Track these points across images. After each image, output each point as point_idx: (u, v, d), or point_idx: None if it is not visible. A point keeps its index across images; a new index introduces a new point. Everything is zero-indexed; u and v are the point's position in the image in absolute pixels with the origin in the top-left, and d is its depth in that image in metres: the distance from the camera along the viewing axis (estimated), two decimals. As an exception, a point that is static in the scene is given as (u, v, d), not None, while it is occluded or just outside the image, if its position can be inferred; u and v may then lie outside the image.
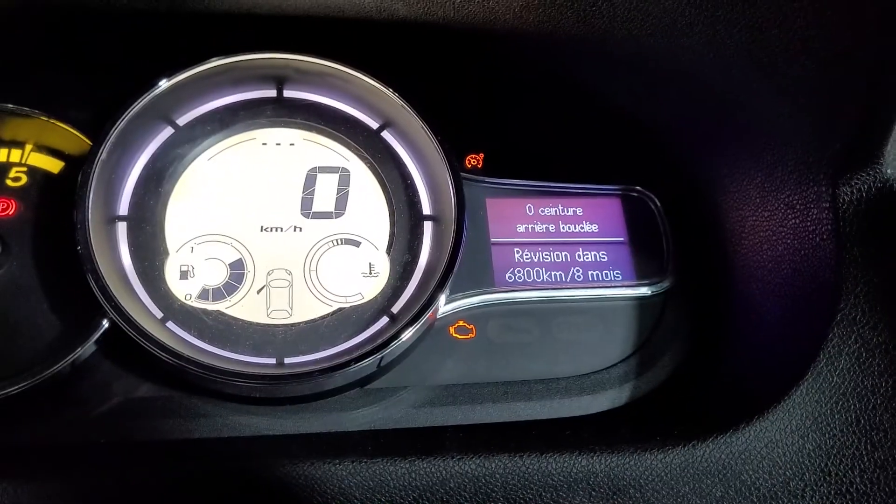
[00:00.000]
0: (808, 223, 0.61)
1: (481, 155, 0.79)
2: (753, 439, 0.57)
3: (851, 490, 0.55)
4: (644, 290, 0.75)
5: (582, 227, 0.78)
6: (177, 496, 0.56)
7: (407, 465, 0.57)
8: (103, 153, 0.66)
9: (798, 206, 0.63)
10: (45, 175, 0.70)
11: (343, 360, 0.62)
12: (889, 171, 0.58)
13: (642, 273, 0.76)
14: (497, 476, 0.57)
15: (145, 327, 0.61)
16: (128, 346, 0.62)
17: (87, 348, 0.62)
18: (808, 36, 0.58)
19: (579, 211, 0.78)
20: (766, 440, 0.57)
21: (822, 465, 0.56)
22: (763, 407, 0.57)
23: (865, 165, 0.58)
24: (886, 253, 0.57)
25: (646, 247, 0.78)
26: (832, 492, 0.55)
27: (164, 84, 0.69)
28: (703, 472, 0.57)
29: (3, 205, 0.68)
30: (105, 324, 0.62)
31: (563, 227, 0.77)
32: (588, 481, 0.57)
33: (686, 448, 0.57)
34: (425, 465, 0.57)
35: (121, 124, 0.67)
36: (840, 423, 0.56)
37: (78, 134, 0.71)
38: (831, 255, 0.59)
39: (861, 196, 0.58)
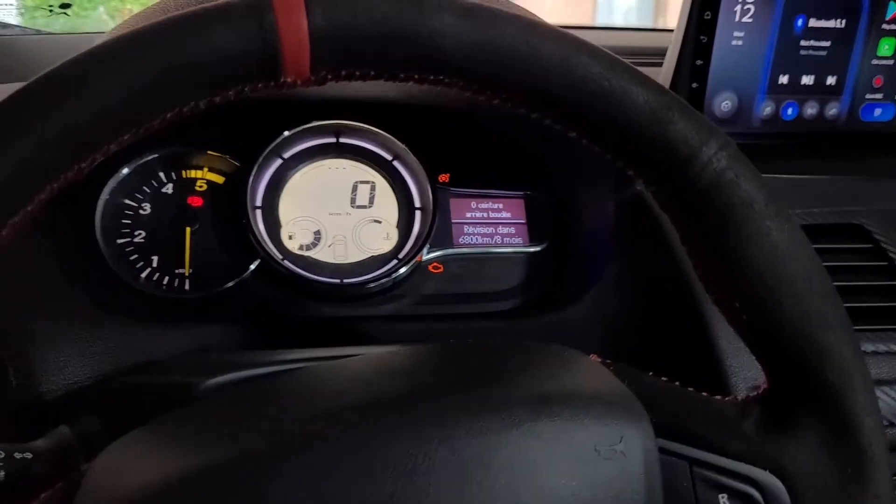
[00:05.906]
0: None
1: (448, 175, 1.41)
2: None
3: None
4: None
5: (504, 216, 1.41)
6: None
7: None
8: (253, 172, 1.27)
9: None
10: (215, 184, 1.31)
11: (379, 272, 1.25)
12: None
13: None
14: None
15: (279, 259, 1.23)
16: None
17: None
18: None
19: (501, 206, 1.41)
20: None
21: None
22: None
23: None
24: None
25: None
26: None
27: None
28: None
29: (194, 203, 1.29)
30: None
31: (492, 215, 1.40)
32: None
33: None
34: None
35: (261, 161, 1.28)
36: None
37: (229, 160, 1.31)
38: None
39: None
